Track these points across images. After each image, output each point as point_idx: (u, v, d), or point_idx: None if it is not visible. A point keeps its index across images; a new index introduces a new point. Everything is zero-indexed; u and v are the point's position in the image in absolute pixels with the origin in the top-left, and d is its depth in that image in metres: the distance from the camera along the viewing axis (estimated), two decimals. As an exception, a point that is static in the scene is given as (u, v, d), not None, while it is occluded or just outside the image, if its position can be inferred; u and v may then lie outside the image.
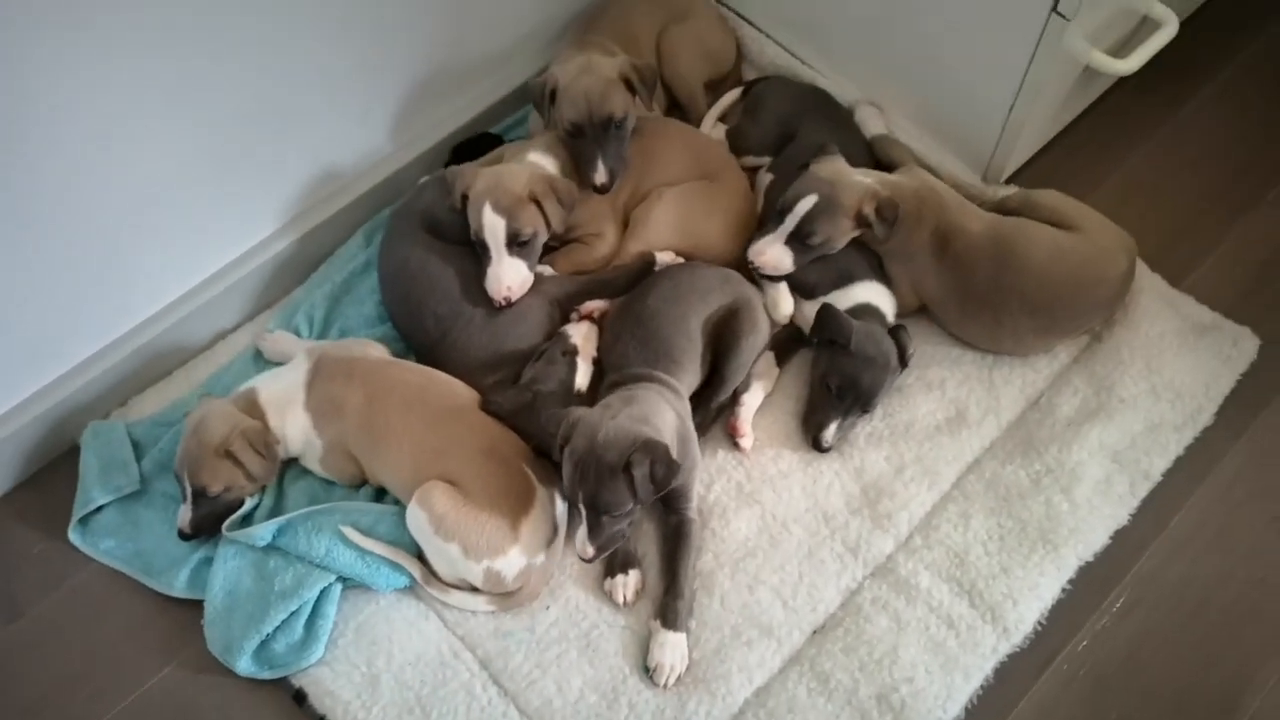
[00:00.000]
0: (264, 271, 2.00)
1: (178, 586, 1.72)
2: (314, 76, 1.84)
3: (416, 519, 1.61)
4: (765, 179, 2.04)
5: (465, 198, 1.81)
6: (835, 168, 1.83)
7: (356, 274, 2.02)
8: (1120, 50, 1.88)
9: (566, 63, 1.89)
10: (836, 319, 1.77)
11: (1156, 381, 1.85)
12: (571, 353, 1.76)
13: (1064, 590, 1.69)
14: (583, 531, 1.56)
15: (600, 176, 1.84)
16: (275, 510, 1.75)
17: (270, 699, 1.64)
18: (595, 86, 1.82)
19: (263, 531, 1.67)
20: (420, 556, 1.68)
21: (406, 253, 1.86)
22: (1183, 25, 1.87)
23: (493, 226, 1.76)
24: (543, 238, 1.82)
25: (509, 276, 1.78)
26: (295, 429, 1.72)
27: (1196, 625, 1.69)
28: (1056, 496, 1.75)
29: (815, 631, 1.66)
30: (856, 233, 1.81)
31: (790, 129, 2.06)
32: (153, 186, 1.74)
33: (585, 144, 1.85)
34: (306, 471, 1.79)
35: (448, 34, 2.01)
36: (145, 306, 1.90)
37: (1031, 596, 1.67)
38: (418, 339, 1.85)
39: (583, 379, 1.75)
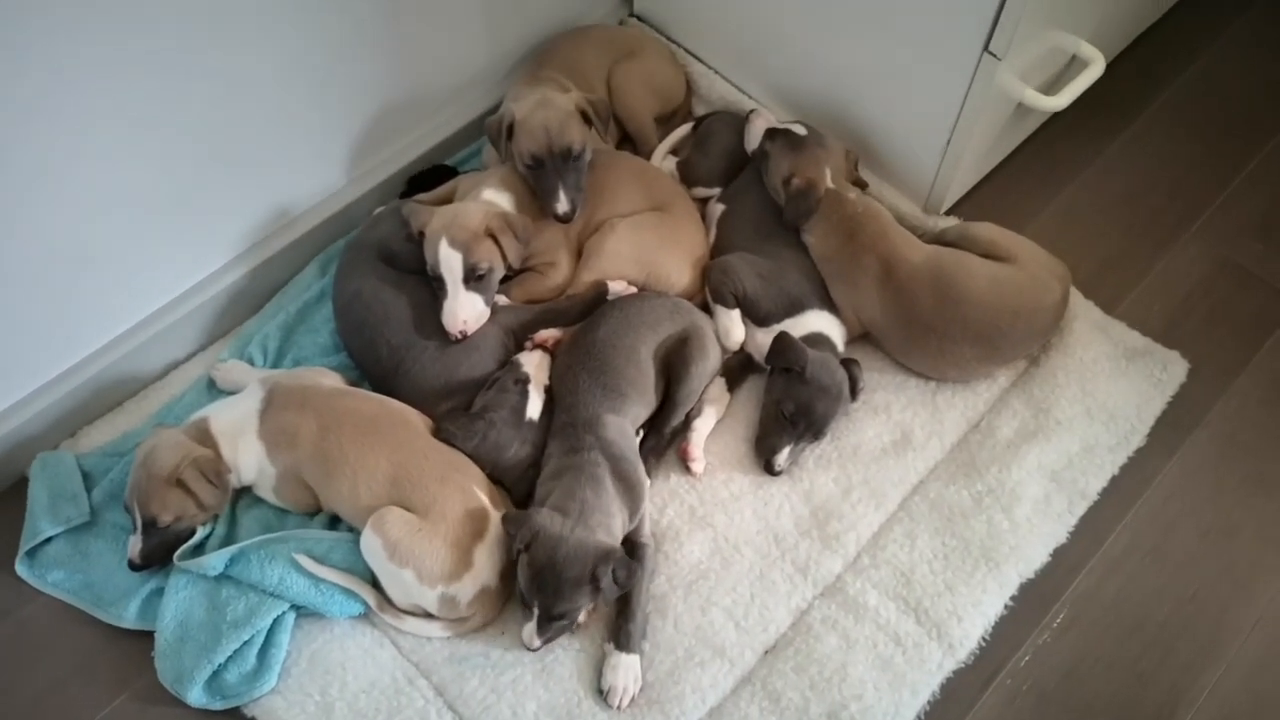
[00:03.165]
0: (217, 303, 2.01)
1: (128, 618, 1.70)
2: (268, 110, 1.86)
3: (371, 545, 1.62)
4: (716, 210, 2.10)
5: (422, 234, 1.84)
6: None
7: (311, 304, 2.04)
8: (1051, 88, 1.98)
9: (522, 98, 1.93)
10: (793, 347, 1.82)
11: (1091, 404, 1.92)
12: (524, 381, 1.79)
13: (1006, 607, 1.74)
14: (530, 628, 1.60)
15: (562, 206, 1.88)
16: (228, 539, 1.74)
17: (222, 730, 1.63)
18: (554, 119, 1.87)
19: (215, 561, 1.67)
20: (375, 584, 1.69)
21: (360, 283, 1.88)
22: (1110, 64, 1.96)
23: (449, 261, 1.79)
24: (499, 273, 1.85)
25: (465, 311, 1.80)
26: (248, 458, 1.72)
27: (1133, 641, 1.75)
28: (998, 515, 1.80)
29: (767, 651, 1.69)
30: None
31: (739, 161, 2.12)
32: (104, 217, 1.75)
33: (545, 175, 1.89)
34: (259, 500, 1.79)
35: (402, 70, 2.05)
36: (95, 337, 1.89)
37: (975, 613, 1.72)
38: (372, 368, 1.86)
39: (534, 408, 1.77)
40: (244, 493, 1.80)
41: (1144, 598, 1.78)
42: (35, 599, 1.75)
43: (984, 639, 1.71)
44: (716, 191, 2.14)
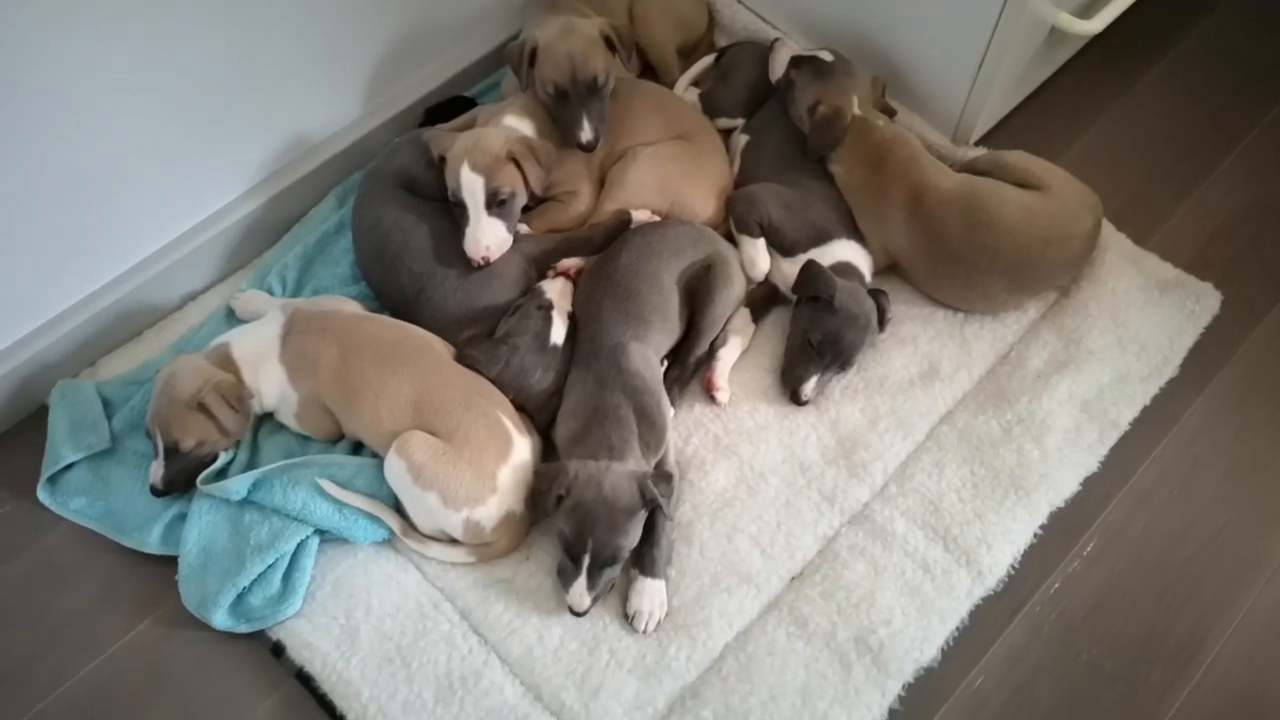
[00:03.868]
0: (234, 233, 1.98)
1: (151, 543, 1.69)
2: (285, 40, 1.83)
3: (394, 468, 1.60)
4: (740, 141, 2.06)
5: (443, 159, 1.81)
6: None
7: (330, 235, 2.01)
8: (1085, 12, 1.93)
9: (545, 25, 1.89)
10: (821, 275, 1.79)
11: (1123, 334, 1.89)
12: (547, 307, 1.76)
13: (1035, 536, 1.72)
14: (580, 584, 1.56)
15: (586, 135, 1.85)
16: (250, 465, 1.73)
17: (247, 652, 1.63)
18: (578, 47, 1.83)
19: (238, 485, 1.65)
20: (399, 509, 1.68)
21: (380, 211, 1.86)
22: (1144, -6, 1.91)
23: (471, 186, 1.76)
24: (521, 199, 1.82)
25: (487, 237, 1.78)
26: (270, 383, 1.70)
27: (1160, 574, 1.72)
28: (1028, 445, 1.78)
29: (793, 578, 1.68)
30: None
31: (763, 91, 2.08)
32: (120, 146, 1.72)
33: (568, 104, 1.85)
34: (282, 426, 1.78)
35: (418, 7, 2.01)
36: (114, 265, 1.87)
37: (1004, 541, 1.70)
38: (392, 297, 1.84)
39: (558, 334, 1.75)
40: (266, 420, 1.79)
41: (1172, 531, 1.76)
42: (57, 526, 1.75)
43: (1013, 567, 1.70)
44: (740, 123, 2.10)
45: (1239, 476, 1.82)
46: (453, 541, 1.66)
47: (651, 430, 1.67)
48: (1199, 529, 1.77)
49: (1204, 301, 1.95)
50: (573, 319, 1.79)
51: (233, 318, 1.92)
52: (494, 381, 1.71)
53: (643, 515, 1.59)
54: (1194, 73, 2.29)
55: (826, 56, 1.96)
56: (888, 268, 1.95)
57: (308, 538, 1.66)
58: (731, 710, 1.55)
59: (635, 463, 1.64)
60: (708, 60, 2.20)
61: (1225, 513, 1.78)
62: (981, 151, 2.05)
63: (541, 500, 1.60)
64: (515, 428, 1.67)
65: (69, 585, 1.70)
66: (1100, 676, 1.62)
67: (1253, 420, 1.87)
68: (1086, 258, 1.92)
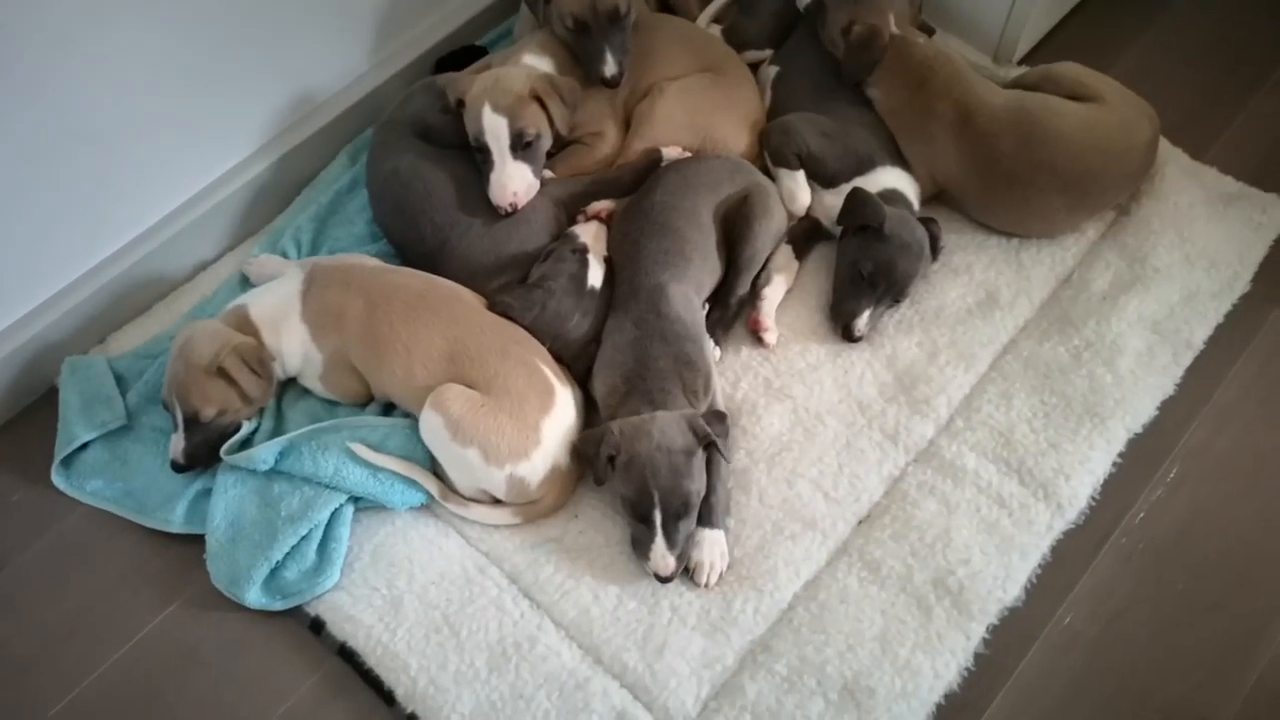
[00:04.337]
0: (243, 197, 1.88)
1: (175, 522, 1.59)
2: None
3: (431, 424, 1.50)
4: (770, 72, 1.95)
5: (461, 103, 1.70)
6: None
7: (343, 194, 1.91)
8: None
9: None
10: (869, 203, 1.69)
11: (1190, 250, 1.79)
12: (581, 251, 1.66)
13: (1115, 464, 1.62)
14: (660, 545, 1.45)
15: (610, 69, 1.75)
16: (275, 433, 1.63)
17: (284, 630, 1.52)
18: None
19: (265, 454, 1.55)
20: (436, 472, 1.57)
21: (397, 161, 1.75)
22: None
23: (494, 128, 1.66)
24: (547, 140, 1.72)
25: (514, 181, 1.67)
26: (292, 343, 1.60)
27: (1253, 494, 1.62)
28: (1099, 370, 1.67)
29: (860, 521, 1.57)
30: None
31: (789, 20, 1.98)
32: (122, 106, 1.63)
33: (589, 38, 1.75)
34: (306, 392, 1.68)
35: None
36: (120, 234, 1.77)
37: (1083, 471, 1.59)
38: (415, 249, 1.73)
39: (595, 276, 1.64)
40: (289, 387, 1.68)
41: (1258, 449, 1.66)
42: (74, 510, 1.64)
43: (1093, 498, 1.59)
44: (768, 54, 2.00)
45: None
46: (495, 502, 1.56)
47: (696, 376, 1.57)
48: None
49: (1270, 213, 1.85)
50: (608, 263, 1.68)
51: (247, 285, 1.82)
52: (529, 329, 1.60)
53: (702, 457, 1.49)
54: (1238, -19, 2.19)
55: None
56: (933, 197, 1.85)
57: (342, 506, 1.56)
58: (806, 662, 1.44)
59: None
60: (723, -2, 2.09)
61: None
62: (1024, 70, 1.94)
63: (593, 467, 1.50)
64: (555, 376, 1.57)
65: (91, 571, 1.60)
66: (1197, 605, 1.52)
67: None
68: (1146, 171, 1.82)
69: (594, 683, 1.44)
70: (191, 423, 1.56)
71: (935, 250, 1.74)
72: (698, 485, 1.47)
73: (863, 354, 1.72)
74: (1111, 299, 1.75)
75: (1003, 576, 1.51)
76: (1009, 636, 1.49)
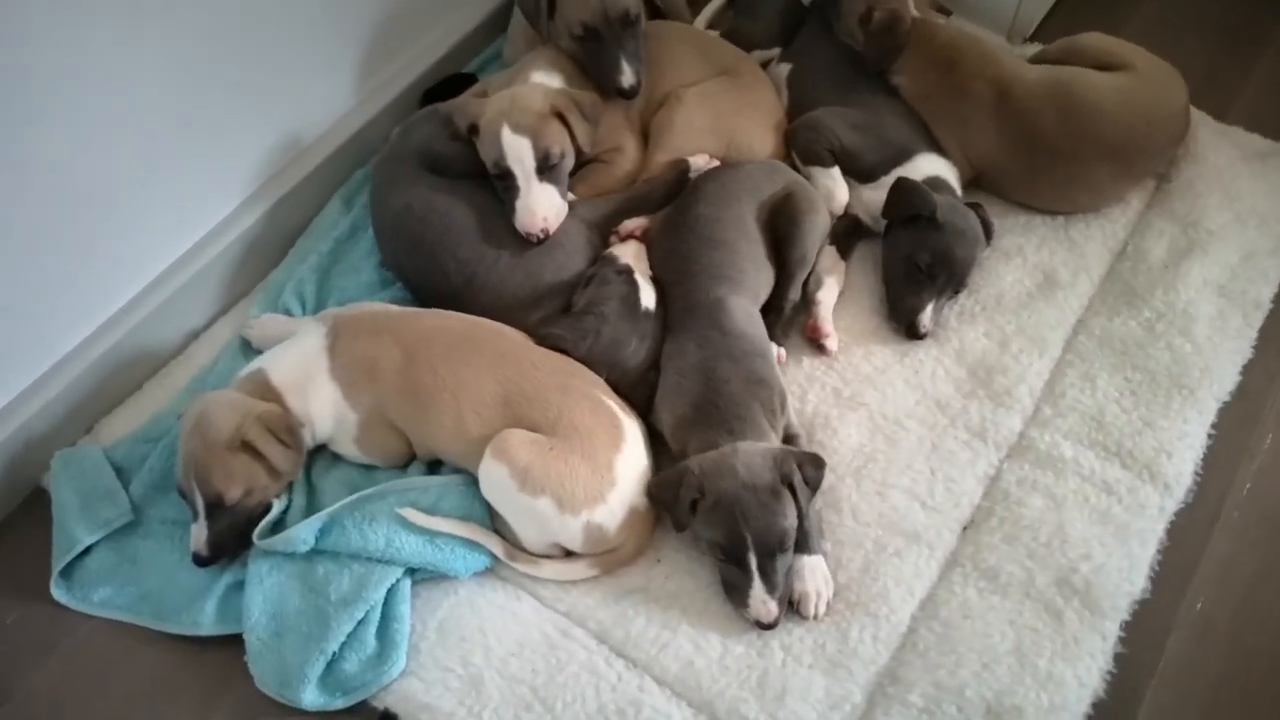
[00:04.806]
0: (233, 254, 1.71)
1: (205, 623, 1.40)
2: (267, 30, 1.60)
3: (495, 476, 1.34)
4: (782, 70, 1.87)
5: (474, 128, 1.57)
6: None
7: (344, 240, 1.76)
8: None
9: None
10: (916, 192, 1.60)
11: (1239, 209, 1.74)
12: (627, 271, 1.53)
13: (1210, 436, 1.54)
14: (758, 590, 1.32)
15: (627, 78, 1.64)
16: (310, 509, 1.45)
17: (352, 730, 1.34)
18: None
19: (304, 533, 1.37)
20: (497, 530, 1.41)
21: (408, 196, 1.60)
22: None
23: (517, 150, 1.53)
24: (571, 160, 1.60)
25: (543, 206, 1.54)
26: (322, 405, 1.43)
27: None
28: (1177, 339, 1.60)
29: (965, 528, 1.46)
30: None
31: (794, 16, 1.91)
32: (98, 166, 1.46)
33: (602, 47, 1.64)
34: (337, 459, 1.50)
35: None
36: (101, 308, 1.59)
37: (1183, 446, 1.51)
38: (437, 289, 1.58)
39: (648, 296, 1.51)
40: (317, 455, 1.51)
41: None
42: (82, 625, 1.44)
43: (1197, 473, 1.50)
44: (776, 52, 1.91)
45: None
46: (568, 554, 1.40)
47: (771, 394, 1.45)
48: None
49: (1306, 165, 1.81)
50: (656, 283, 1.55)
51: (249, 351, 1.64)
52: (583, 360, 1.46)
53: (789, 496, 1.35)
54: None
55: None
56: (970, 182, 1.76)
57: (398, 581, 1.39)
58: (942, 688, 1.31)
59: (761, 437, 1.40)
60: (718, 1, 2.00)
61: None
62: (1037, 48, 1.89)
63: (673, 513, 1.36)
64: (620, 409, 1.43)
65: (110, 692, 1.39)
66: (1328, 572, 1.43)
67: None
68: (1184, 135, 1.77)
69: (713, 742, 1.29)
70: (214, 507, 1.38)
71: (989, 234, 1.66)
72: (791, 521, 1.34)
73: (930, 351, 1.62)
74: (1173, 266, 1.68)
75: (1126, 567, 1.41)
76: (1143, 631, 1.38)
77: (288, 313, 1.66)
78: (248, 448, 1.37)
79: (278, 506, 1.43)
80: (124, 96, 1.45)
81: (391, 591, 1.38)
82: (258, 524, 1.41)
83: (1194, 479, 1.50)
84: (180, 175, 1.59)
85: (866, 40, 1.74)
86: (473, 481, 1.42)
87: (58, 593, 1.44)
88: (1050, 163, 1.68)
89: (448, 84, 1.92)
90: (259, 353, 1.60)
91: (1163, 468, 1.49)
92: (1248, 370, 1.60)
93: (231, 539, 1.40)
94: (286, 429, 1.39)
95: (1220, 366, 1.59)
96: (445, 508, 1.41)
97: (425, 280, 1.59)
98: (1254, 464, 1.53)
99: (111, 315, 1.60)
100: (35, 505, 1.53)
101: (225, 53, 1.56)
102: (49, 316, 1.52)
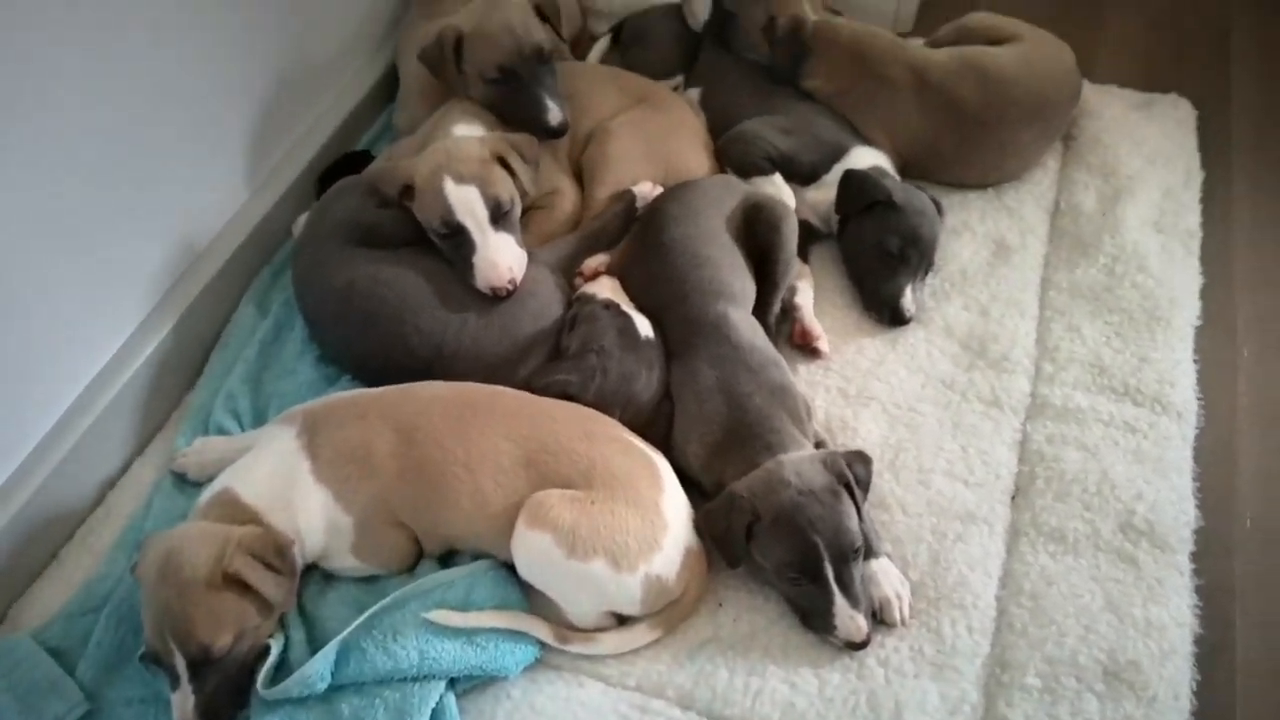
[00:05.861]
0: (141, 382, 1.48)
1: (212, 811, 1.14)
2: (145, 128, 1.43)
3: (538, 547, 1.18)
4: (694, 94, 1.85)
5: (407, 189, 1.43)
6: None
7: (270, 344, 1.56)
8: None
9: (462, 11, 1.60)
10: (868, 180, 1.59)
11: (1146, 152, 1.84)
12: (613, 305, 1.41)
13: (1195, 360, 1.57)
14: (842, 606, 1.20)
15: (554, 115, 1.55)
16: (313, 643, 1.22)
17: None
18: (515, 18, 1.56)
19: (319, 668, 1.15)
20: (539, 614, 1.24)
21: (349, 275, 1.44)
22: None
23: (466, 203, 1.40)
24: (519, 206, 1.48)
25: (505, 256, 1.42)
26: (310, 515, 1.22)
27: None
28: (1138, 276, 1.64)
29: (1013, 496, 1.41)
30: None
31: (689, 43, 1.90)
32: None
33: (521, 87, 1.55)
34: (331, 578, 1.29)
35: (279, 51, 1.66)
36: (-7, 471, 1.32)
37: (1179, 373, 1.53)
38: (402, 368, 1.40)
39: (644, 324, 1.40)
40: (307, 577, 1.28)
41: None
42: None
43: (1199, 397, 1.52)
44: (679, 79, 1.89)
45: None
46: (623, 621, 1.25)
47: (796, 401, 1.37)
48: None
49: (1180, 108, 1.95)
50: (644, 312, 1.45)
51: (187, 486, 1.40)
52: (593, 403, 1.33)
53: (849, 498, 1.26)
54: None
55: None
56: (899, 171, 1.77)
57: (442, 698, 1.18)
58: (1054, 662, 1.23)
59: (796, 448, 1.31)
60: (603, 43, 1.98)
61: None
62: (919, 42, 1.94)
63: (726, 547, 1.25)
64: (648, 447, 1.30)
65: None
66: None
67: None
68: (1081, 90, 1.85)
69: (843, 784, 1.15)
70: (201, 665, 1.14)
71: (940, 210, 1.66)
72: (855, 522, 1.24)
73: (919, 334, 1.59)
74: (1109, 213, 1.74)
75: (1176, 499, 1.39)
76: (1210, 559, 1.36)
77: (223, 433, 1.44)
78: (233, 582, 1.14)
79: (275, 647, 1.20)
80: (6, 224, 1.23)
81: (436, 711, 1.17)
82: (256, 674, 1.17)
83: (1199, 402, 1.52)
84: (67, 303, 1.36)
85: (773, 50, 1.74)
86: (500, 565, 1.25)
87: (4, 826, 1.14)
88: (979, 131, 1.71)
89: (344, 163, 1.77)
90: (199, 486, 1.37)
91: (1170, 397, 1.50)
92: (1204, 294, 1.66)
93: (227, 699, 1.16)
94: (276, 551, 1.18)
95: (1182, 294, 1.63)
96: (478, 600, 1.23)
97: (386, 361, 1.42)
98: (1241, 376, 1.57)
99: (7, 479, 1.33)
100: (-52, 727, 1.22)
101: (102, 157, 1.36)
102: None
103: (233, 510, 1.20)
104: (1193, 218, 1.75)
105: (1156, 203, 1.76)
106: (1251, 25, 2.15)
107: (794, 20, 1.73)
